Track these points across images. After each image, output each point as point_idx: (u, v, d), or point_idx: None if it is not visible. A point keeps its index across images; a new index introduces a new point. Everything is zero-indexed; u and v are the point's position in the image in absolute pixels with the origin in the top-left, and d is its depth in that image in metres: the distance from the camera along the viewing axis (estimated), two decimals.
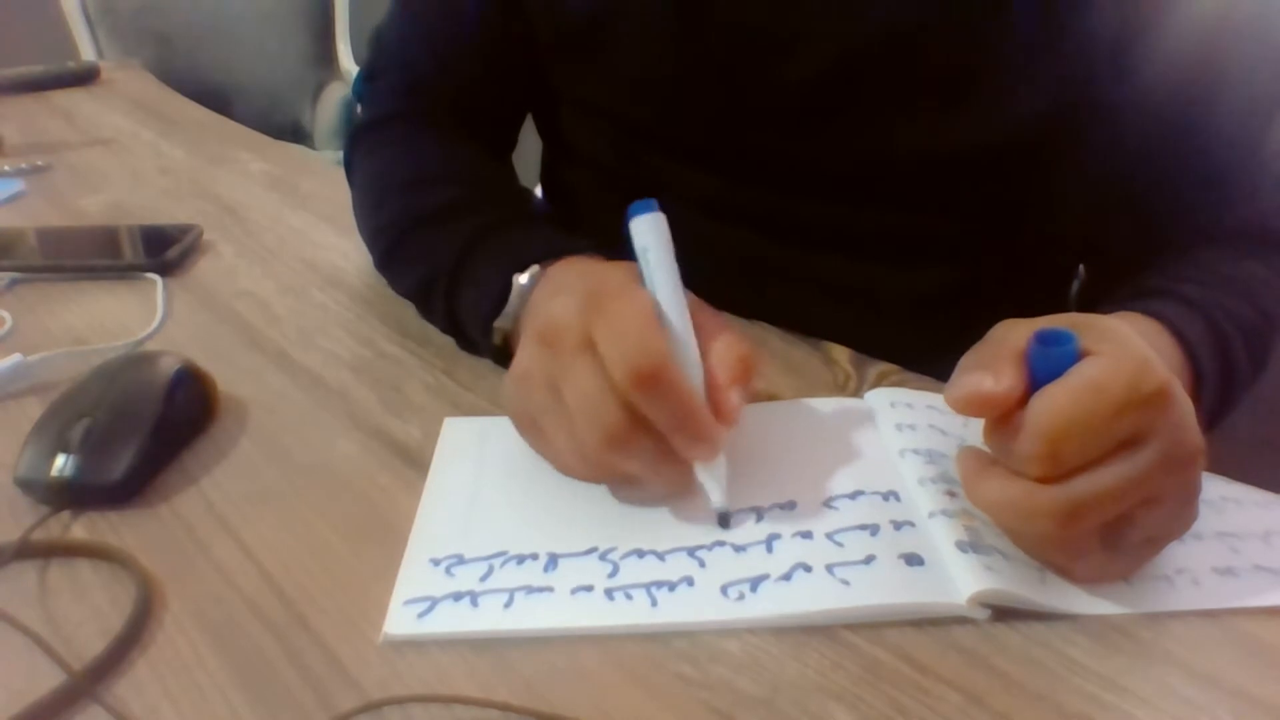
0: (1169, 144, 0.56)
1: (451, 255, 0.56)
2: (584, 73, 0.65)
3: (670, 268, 0.43)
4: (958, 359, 0.39)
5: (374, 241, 0.65)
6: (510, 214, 0.59)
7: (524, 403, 0.43)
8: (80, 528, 0.43)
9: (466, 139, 0.68)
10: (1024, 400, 0.36)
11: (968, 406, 0.37)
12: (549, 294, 0.48)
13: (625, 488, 0.44)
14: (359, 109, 0.73)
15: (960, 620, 0.37)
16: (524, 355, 0.43)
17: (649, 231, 0.44)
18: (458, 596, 0.38)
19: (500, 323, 0.51)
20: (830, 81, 0.57)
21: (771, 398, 0.52)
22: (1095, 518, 0.35)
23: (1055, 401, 0.35)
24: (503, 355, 0.52)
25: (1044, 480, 0.35)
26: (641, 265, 0.44)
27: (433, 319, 0.59)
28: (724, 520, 0.42)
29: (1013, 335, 0.38)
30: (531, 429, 0.44)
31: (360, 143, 0.69)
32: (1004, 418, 0.36)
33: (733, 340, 0.43)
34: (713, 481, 0.42)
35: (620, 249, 0.49)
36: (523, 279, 0.50)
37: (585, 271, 0.47)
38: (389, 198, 0.64)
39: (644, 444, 0.40)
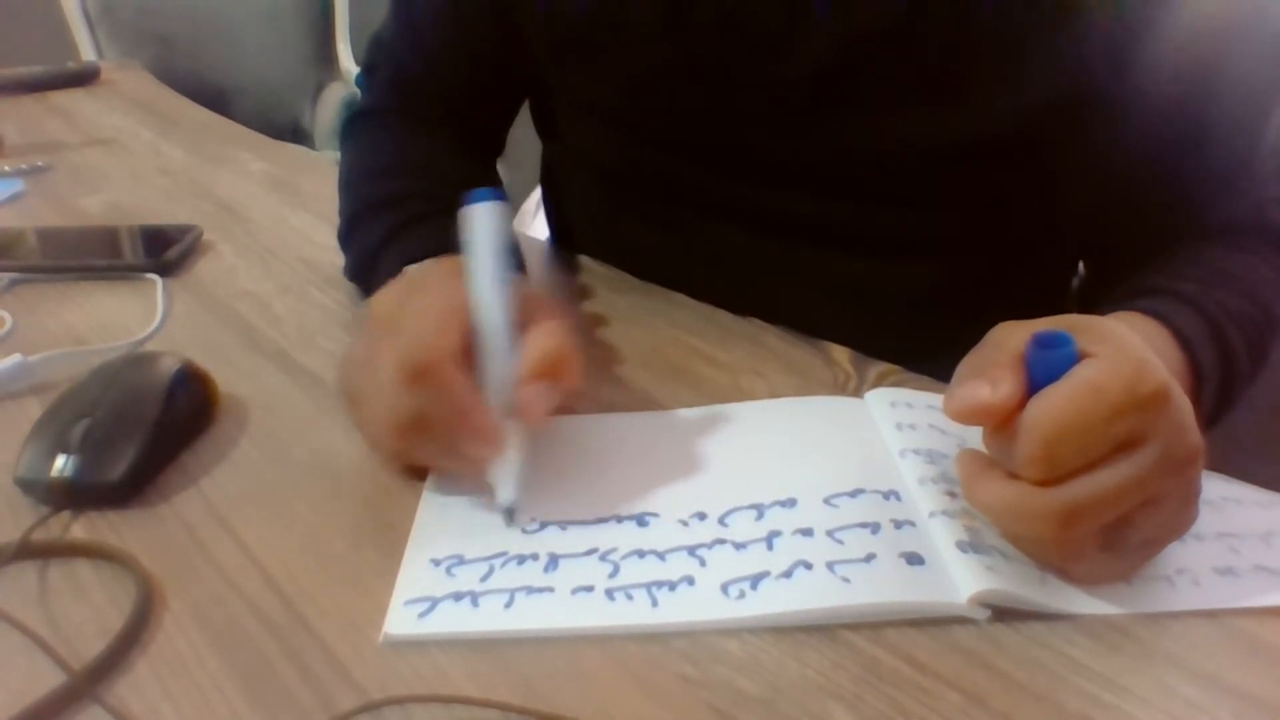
0: (1167, 138, 0.55)
1: (375, 243, 0.58)
2: (580, 73, 0.65)
3: (490, 259, 0.43)
4: (958, 356, 0.39)
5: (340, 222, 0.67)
6: (441, 206, 0.59)
7: (346, 381, 0.45)
8: (80, 528, 0.43)
9: (448, 135, 0.69)
10: (1023, 404, 0.36)
11: (967, 416, 0.37)
12: None
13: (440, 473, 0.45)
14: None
15: (960, 620, 0.37)
16: (355, 338, 0.45)
17: (474, 222, 0.44)
18: (458, 596, 0.38)
19: None
20: (825, 78, 0.57)
21: (772, 397, 0.52)
22: (1093, 520, 0.35)
23: (1053, 404, 0.35)
24: None
25: (1042, 483, 0.35)
26: (468, 254, 0.44)
27: None
28: (509, 517, 0.42)
29: (1010, 339, 0.38)
30: (352, 408, 0.45)
31: (348, 130, 0.72)
32: (1003, 420, 0.36)
33: (547, 334, 0.43)
34: (499, 477, 0.42)
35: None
36: (414, 270, 0.51)
37: (438, 265, 0.48)
38: (351, 185, 0.66)
39: (431, 435, 0.41)
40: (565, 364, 0.42)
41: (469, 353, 0.42)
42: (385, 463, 0.45)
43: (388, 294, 0.44)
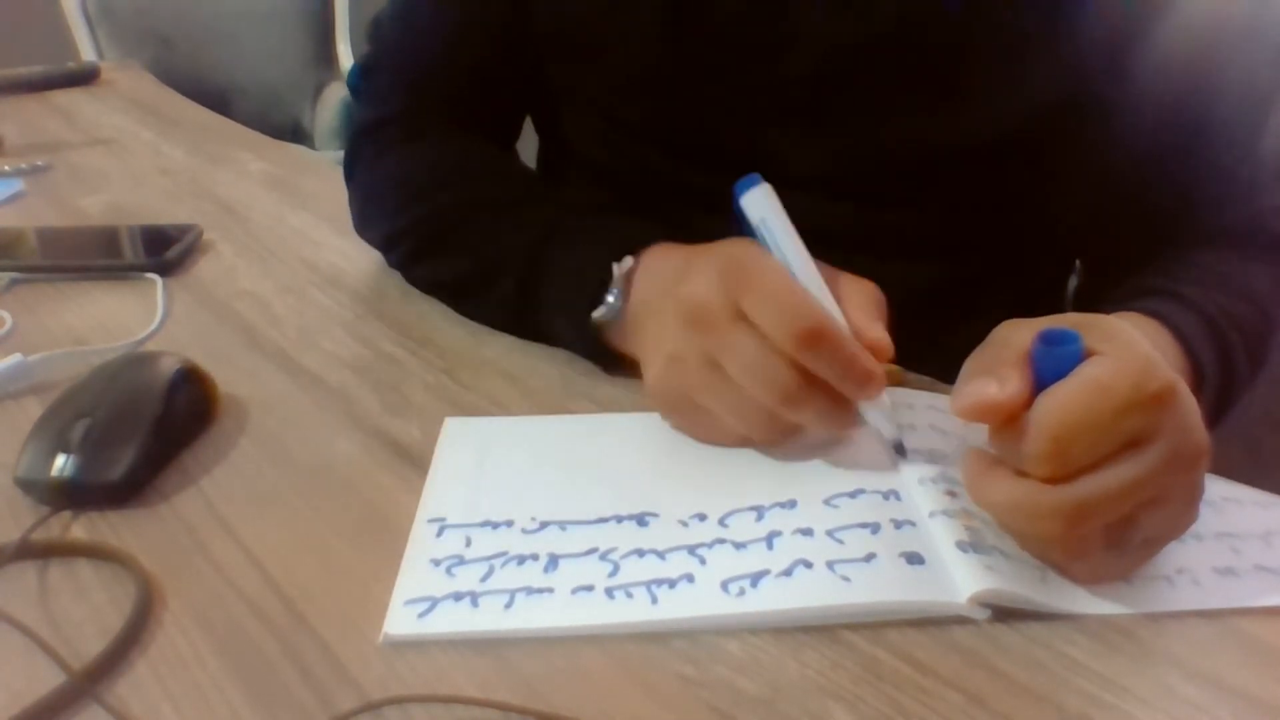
0: (1167, 142, 0.55)
1: (524, 244, 0.56)
2: (579, 70, 0.65)
3: (792, 232, 0.45)
4: (958, 356, 0.39)
5: (400, 238, 0.64)
6: (568, 205, 0.59)
7: (679, 386, 0.45)
8: (80, 528, 0.43)
9: (478, 138, 0.68)
10: (1029, 401, 0.36)
11: (975, 414, 0.37)
12: (661, 279, 0.48)
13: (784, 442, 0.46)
14: (356, 103, 0.72)
15: (960, 620, 0.37)
16: (669, 340, 0.44)
17: (763, 203, 0.46)
18: (458, 597, 0.38)
19: (601, 313, 0.51)
20: (824, 79, 0.57)
21: None
22: (1101, 518, 0.35)
23: (1061, 401, 0.35)
24: (597, 346, 0.53)
25: (1050, 480, 0.35)
26: (763, 235, 0.45)
27: (482, 311, 0.59)
28: (900, 450, 0.43)
29: (1016, 337, 0.38)
30: (689, 411, 0.45)
31: (365, 144, 0.68)
32: (1010, 418, 0.36)
33: (858, 282, 0.45)
34: (882, 418, 0.44)
35: None
36: (621, 266, 0.51)
37: (699, 252, 0.47)
38: (424, 194, 0.63)
39: (815, 397, 0.42)
40: (883, 301, 0.45)
41: None
42: (756, 443, 0.46)
43: (703, 287, 0.42)
